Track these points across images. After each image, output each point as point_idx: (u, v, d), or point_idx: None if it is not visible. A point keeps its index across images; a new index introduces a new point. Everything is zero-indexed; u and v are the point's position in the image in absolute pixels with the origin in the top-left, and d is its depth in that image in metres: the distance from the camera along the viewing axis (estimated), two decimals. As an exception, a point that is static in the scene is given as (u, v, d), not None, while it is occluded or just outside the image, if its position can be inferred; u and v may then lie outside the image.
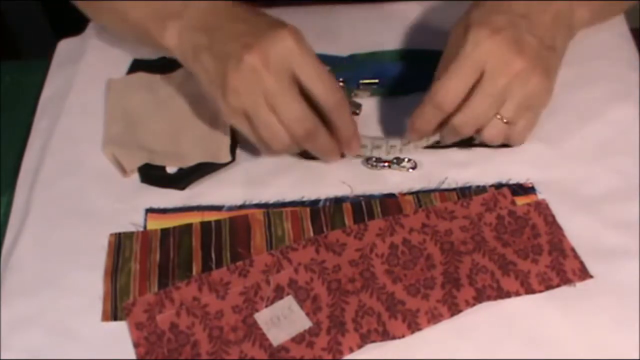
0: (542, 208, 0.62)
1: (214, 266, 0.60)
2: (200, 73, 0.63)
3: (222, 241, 0.62)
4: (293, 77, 0.59)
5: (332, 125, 0.62)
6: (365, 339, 0.55)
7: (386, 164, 0.66)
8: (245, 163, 0.68)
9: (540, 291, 0.58)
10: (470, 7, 0.64)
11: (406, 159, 0.66)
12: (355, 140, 0.64)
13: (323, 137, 0.62)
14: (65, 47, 0.80)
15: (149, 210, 0.64)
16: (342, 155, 0.65)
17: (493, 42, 0.60)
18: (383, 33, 0.78)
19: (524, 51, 0.60)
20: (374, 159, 0.66)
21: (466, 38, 0.60)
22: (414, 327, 0.56)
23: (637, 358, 0.54)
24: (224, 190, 0.65)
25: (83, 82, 0.75)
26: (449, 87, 0.61)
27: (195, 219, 0.63)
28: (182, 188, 0.66)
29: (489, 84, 0.60)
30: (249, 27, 0.61)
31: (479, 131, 0.63)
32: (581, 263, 0.59)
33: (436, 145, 0.67)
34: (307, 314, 0.57)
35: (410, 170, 0.66)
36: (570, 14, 0.65)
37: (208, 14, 0.64)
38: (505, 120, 0.62)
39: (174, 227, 0.63)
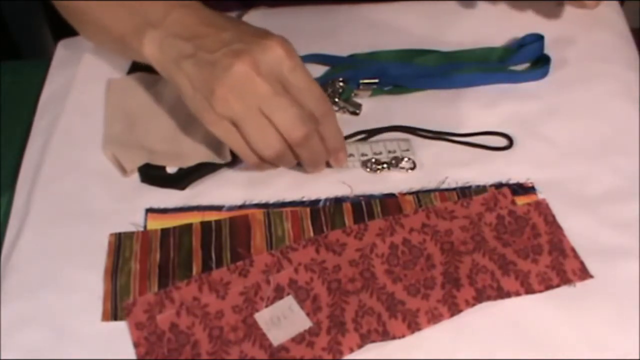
0: (542, 208, 0.62)
1: (214, 266, 0.60)
2: (183, 82, 0.61)
3: (222, 241, 0.62)
4: (283, 85, 0.59)
5: (320, 135, 0.62)
6: (365, 339, 0.55)
7: (384, 165, 0.66)
8: (246, 163, 0.68)
9: (540, 291, 0.58)
10: None
11: (405, 159, 0.66)
12: (342, 152, 0.64)
13: (317, 142, 0.62)
14: (65, 47, 0.80)
15: (149, 210, 0.64)
16: (328, 165, 0.66)
17: None
18: (383, 33, 0.78)
19: None
20: (373, 160, 0.66)
21: None
22: (414, 327, 0.56)
23: (637, 358, 0.54)
24: (224, 190, 0.65)
25: (83, 82, 0.75)
26: None
27: (195, 219, 0.63)
28: (182, 188, 0.66)
29: None
30: (236, 35, 0.60)
31: None
32: (581, 263, 0.59)
33: (439, 137, 0.67)
34: (307, 314, 0.57)
35: (409, 170, 0.66)
36: None
37: (192, 22, 0.62)
38: None
39: (174, 227, 0.63)
